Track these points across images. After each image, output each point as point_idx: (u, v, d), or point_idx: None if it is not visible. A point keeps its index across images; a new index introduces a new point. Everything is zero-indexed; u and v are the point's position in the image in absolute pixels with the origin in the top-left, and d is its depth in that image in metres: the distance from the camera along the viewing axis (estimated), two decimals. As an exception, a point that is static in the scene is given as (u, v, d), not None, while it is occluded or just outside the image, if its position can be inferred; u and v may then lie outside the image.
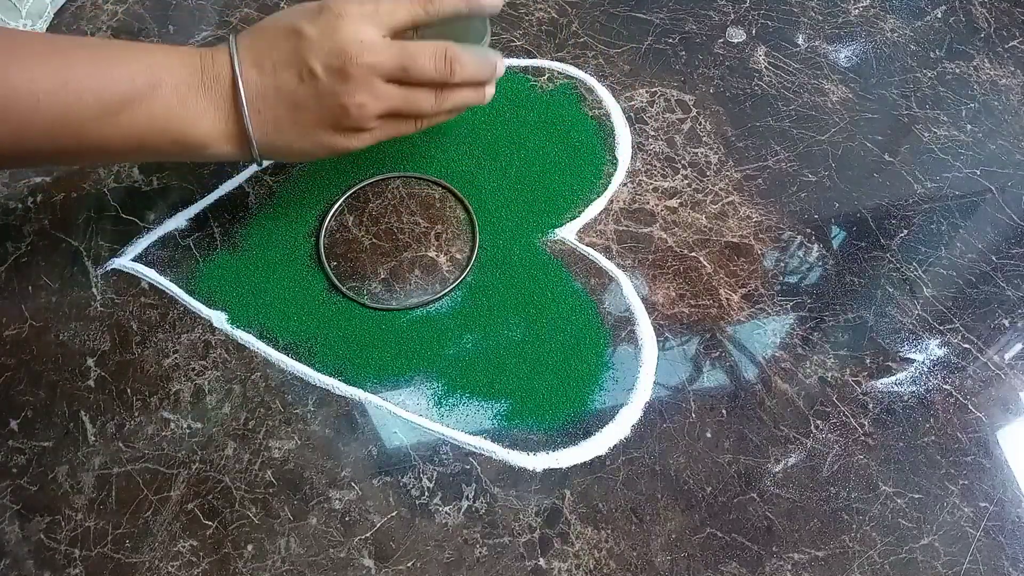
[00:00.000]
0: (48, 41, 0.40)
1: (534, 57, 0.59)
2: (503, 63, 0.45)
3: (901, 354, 0.48)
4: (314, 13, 0.40)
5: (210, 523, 0.41)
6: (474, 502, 0.42)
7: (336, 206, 0.51)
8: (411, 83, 0.42)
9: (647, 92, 0.58)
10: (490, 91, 0.46)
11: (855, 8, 0.63)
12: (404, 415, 0.45)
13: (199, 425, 0.44)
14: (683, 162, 0.54)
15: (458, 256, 0.50)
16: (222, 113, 0.40)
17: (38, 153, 0.40)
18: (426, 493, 0.43)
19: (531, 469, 0.43)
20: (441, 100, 0.43)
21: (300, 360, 0.46)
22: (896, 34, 0.62)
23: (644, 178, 0.54)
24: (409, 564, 0.41)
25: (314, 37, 0.39)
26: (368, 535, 0.41)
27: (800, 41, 0.61)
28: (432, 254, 0.50)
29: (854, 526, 0.42)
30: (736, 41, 0.61)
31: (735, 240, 0.51)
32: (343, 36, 0.39)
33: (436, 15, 0.42)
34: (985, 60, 0.61)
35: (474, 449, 0.44)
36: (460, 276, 0.49)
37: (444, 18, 0.42)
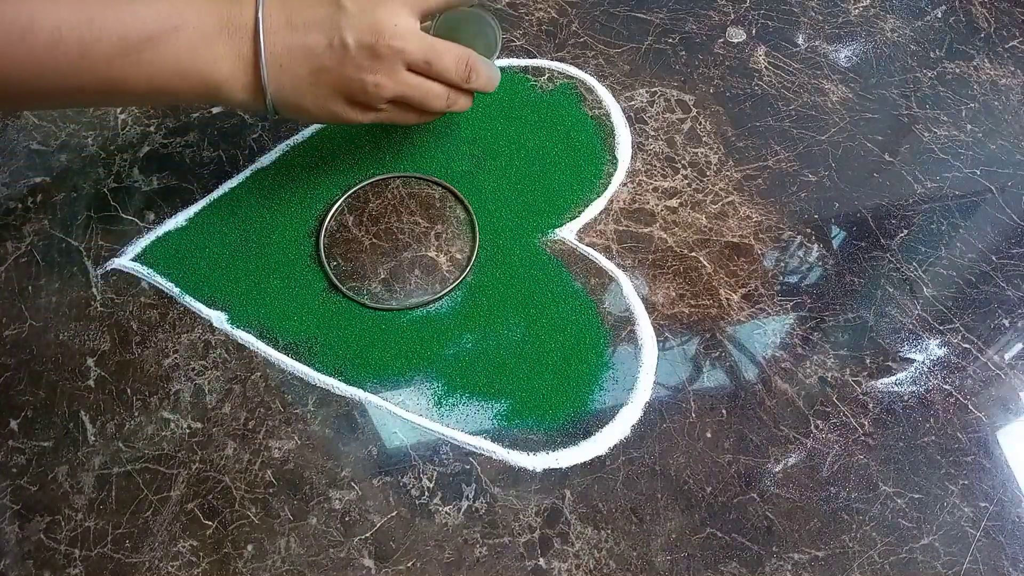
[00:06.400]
0: None
1: (534, 57, 0.59)
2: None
3: (901, 354, 0.48)
4: None
5: (210, 523, 0.41)
6: (474, 502, 0.42)
7: (336, 206, 0.51)
8: (429, 77, 0.44)
9: (647, 92, 0.58)
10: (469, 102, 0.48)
11: (855, 8, 0.63)
12: (404, 415, 0.45)
13: (199, 425, 0.44)
14: (683, 162, 0.54)
15: (458, 256, 0.50)
16: (241, 62, 0.41)
17: (58, 91, 0.39)
18: (426, 493, 0.43)
19: (531, 469, 0.43)
20: (452, 101, 0.46)
21: (300, 360, 0.46)
22: (896, 34, 0.62)
23: (644, 178, 0.54)
24: (409, 564, 0.41)
25: (352, 11, 0.41)
26: (368, 535, 0.41)
27: (800, 41, 0.61)
28: (432, 254, 0.50)
29: (854, 526, 0.42)
30: (736, 41, 0.61)
31: (735, 240, 0.51)
32: (380, 16, 0.41)
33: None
34: (985, 60, 0.61)
35: (474, 449, 0.44)
36: (460, 276, 0.49)
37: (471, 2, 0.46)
